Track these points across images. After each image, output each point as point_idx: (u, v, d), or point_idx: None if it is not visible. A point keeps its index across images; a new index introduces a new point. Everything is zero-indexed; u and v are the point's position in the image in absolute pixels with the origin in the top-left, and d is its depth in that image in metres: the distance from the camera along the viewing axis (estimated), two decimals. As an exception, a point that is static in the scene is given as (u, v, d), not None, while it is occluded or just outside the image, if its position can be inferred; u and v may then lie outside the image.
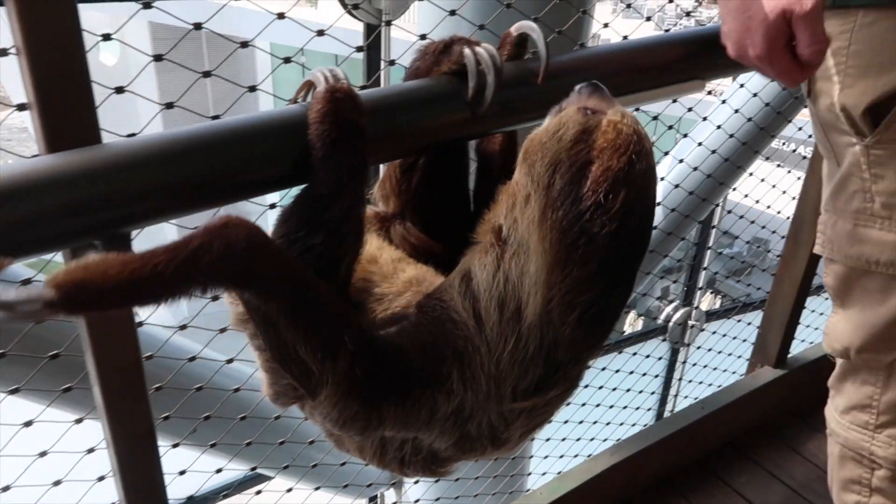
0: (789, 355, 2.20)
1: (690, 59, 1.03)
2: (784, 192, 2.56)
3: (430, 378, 0.69)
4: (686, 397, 3.08)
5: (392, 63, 1.38)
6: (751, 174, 2.62)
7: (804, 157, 2.62)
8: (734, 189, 2.80)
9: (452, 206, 0.95)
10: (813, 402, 2.22)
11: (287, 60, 1.06)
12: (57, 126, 0.65)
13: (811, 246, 1.91)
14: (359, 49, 1.33)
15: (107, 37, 0.81)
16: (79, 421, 1.33)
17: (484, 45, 0.82)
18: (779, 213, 2.56)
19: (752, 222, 2.62)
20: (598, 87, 0.73)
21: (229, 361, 1.39)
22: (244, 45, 1.06)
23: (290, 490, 1.72)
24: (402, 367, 0.70)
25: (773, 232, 2.56)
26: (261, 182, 0.71)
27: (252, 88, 1.00)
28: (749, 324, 2.62)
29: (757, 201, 2.62)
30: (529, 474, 2.11)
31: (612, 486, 1.87)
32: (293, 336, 0.65)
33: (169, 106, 0.88)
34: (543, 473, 2.07)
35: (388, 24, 2.15)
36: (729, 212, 2.88)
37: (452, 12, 1.08)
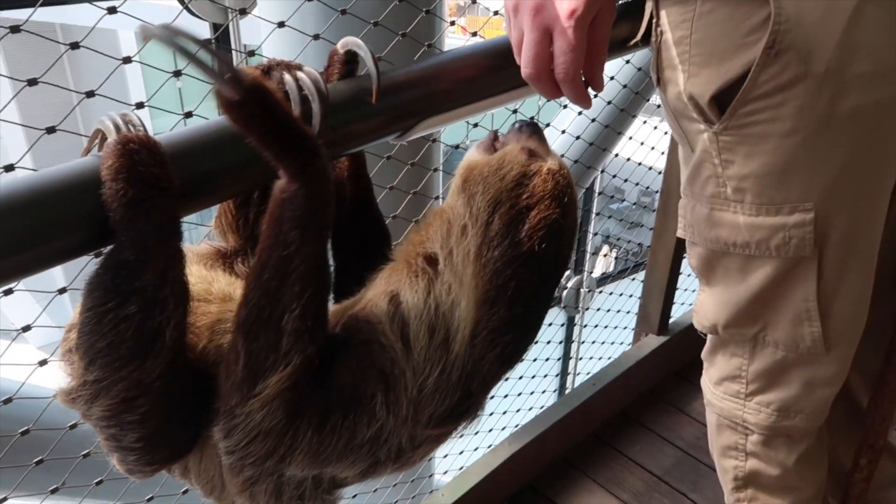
0: (671, 320, 2.29)
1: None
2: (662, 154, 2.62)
3: (352, 399, 0.67)
4: (579, 374, 3.17)
5: (252, 54, 1.29)
6: (630, 138, 2.67)
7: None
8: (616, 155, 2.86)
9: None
10: (696, 363, 2.33)
11: (127, 60, 0.96)
12: None
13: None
14: (208, 42, 1.22)
15: None
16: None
17: (306, 70, 0.75)
18: (660, 173, 2.60)
19: (637, 184, 2.67)
20: (536, 129, 0.77)
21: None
22: (74, 45, 0.94)
23: None
24: (330, 382, 0.67)
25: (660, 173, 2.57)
26: (57, 252, 0.62)
27: (90, 94, 0.90)
28: (633, 279, 2.69)
29: (639, 164, 2.66)
30: (431, 475, 2.09)
31: (514, 474, 1.88)
32: (297, 300, 0.63)
33: None
34: (445, 472, 2.06)
35: (243, 12, 2.02)
36: (613, 176, 2.92)
37: (281, 24, 1.01)
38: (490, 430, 2.09)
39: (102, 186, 0.61)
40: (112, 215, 0.61)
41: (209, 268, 0.87)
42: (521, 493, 1.91)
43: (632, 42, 1.10)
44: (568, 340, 3.59)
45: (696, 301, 1.26)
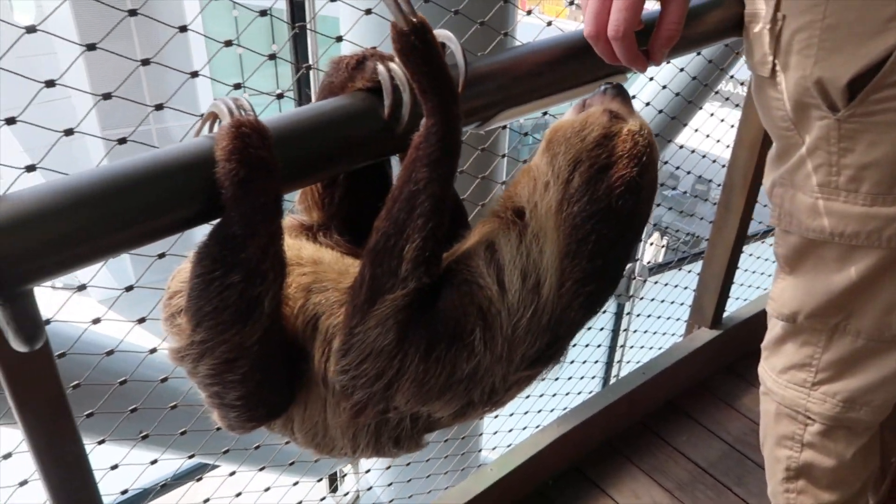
0: (724, 314, 2.28)
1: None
2: (718, 142, 2.58)
3: (455, 332, 0.72)
4: (629, 362, 3.17)
5: (340, 39, 1.34)
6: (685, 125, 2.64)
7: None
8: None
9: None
10: (747, 358, 2.33)
11: (183, 29, 1.02)
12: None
13: (741, 212, 1.97)
14: (262, 13, 1.28)
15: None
16: None
17: (398, 61, 0.79)
18: (714, 161, 2.57)
19: (689, 172, 2.65)
20: (621, 90, 0.80)
21: (153, 351, 1.34)
22: (132, 13, 1.00)
23: (233, 474, 1.70)
24: (436, 314, 0.73)
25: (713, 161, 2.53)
26: (172, 224, 0.68)
27: (145, 62, 0.96)
28: (689, 271, 2.69)
29: (692, 151, 2.63)
30: (480, 451, 2.15)
31: (560, 455, 1.92)
32: (419, 232, 0.69)
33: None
34: (494, 448, 2.12)
35: None
36: (665, 162, 2.89)
37: (368, 11, 1.05)
38: (539, 412, 2.14)
39: (216, 165, 0.67)
40: (224, 192, 0.67)
41: (294, 238, 0.93)
42: (567, 473, 1.96)
43: (755, 29, 1.07)
44: (616, 328, 3.59)
45: (773, 289, 1.26)
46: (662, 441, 2.07)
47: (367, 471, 2.26)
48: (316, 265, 0.82)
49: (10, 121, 0.91)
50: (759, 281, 2.90)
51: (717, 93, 2.85)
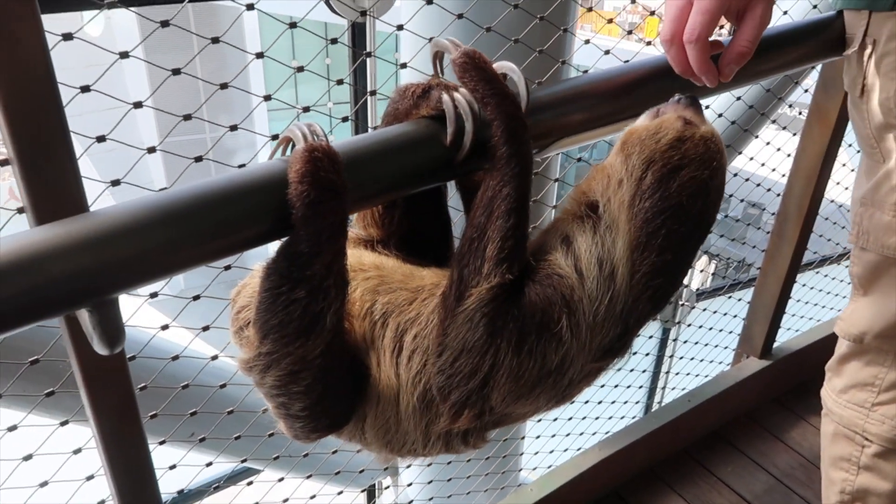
0: (774, 345, 2.24)
1: (661, 81, 1.03)
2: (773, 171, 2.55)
3: (542, 323, 0.75)
4: (673, 389, 3.12)
5: (404, 66, 1.41)
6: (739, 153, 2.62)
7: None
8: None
9: (436, 236, 0.97)
10: (797, 391, 2.29)
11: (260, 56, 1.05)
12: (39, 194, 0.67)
13: (795, 242, 1.95)
14: (333, 41, 1.34)
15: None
16: (64, 423, 1.36)
17: (461, 90, 0.83)
18: (769, 190, 2.53)
19: (742, 201, 2.60)
20: (695, 101, 0.84)
21: (214, 358, 1.41)
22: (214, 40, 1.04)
23: (281, 480, 1.75)
24: (523, 307, 0.76)
25: (769, 190, 2.51)
26: (245, 240, 0.72)
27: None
28: (739, 299, 2.65)
29: (746, 180, 2.60)
30: (521, 470, 2.15)
31: (601, 479, 1.92)
32: (499, 232, 0.74)
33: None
34: (534, 468, 2.12)
35: (364, 13, 2.14)
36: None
37: (431, 39, 1.08)
38: (581, 434, 2.13)
39: (288, 187, 0.71)
40: (294, 212, 0.71)
41: (353, 248, 0.97)
42: (607, 497, 1.95)
43: (846, 52, 1.16)
44: (661, 354, 3.55)
45: (845, 310, 1.29)
46: (706, 471, 2.04)
47: (409, 484, 2.28)
48: (379, 269, 0.85)
49: (151, 150, 0.95)
50: (811, 312, 2.84)
51: (773, 121, 2.81)
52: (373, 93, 1.67)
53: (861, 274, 1.22)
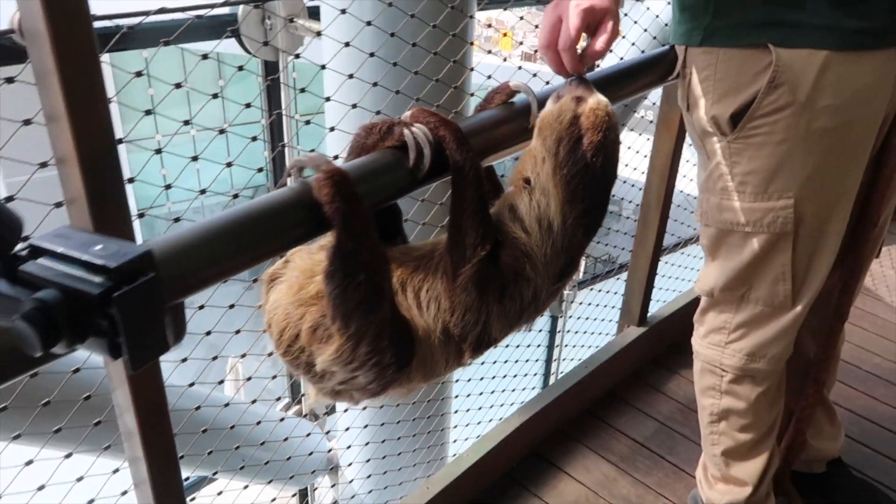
0: (648, 314, 2.67)
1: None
2: (635, 170, 3.03)
3: (515, 273, 1.02)
4: (566, 359, 3.56)
5: (303, 91, 1.67)
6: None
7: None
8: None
9: (394, 227, 1.23)
10: (670, 350, 2.74)
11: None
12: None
13: (657, 227, 2.37)
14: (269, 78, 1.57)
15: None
16: (68, 456, 1.51)
17: (418, 125, 1.10)
18: (633, 186, 3.02)
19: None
20: (583, 79, 1.09)
21: (191, 385, 1.60)
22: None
23: (220, 494, 1.91)
24: (500, 268, 1.02)
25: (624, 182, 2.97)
26: (281, 246, 0.97)
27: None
28: (608, 292, 3.11)
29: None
30: (444, 444, 2.46)
31: (523, 441, 2.24)
32: (470, 225, 1.00)
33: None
34: (454, 441, 2.40)
35: (297, 56, 2.37)
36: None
37: (351, 76, 1.36)
38: (491, 407, 2.47)
39: (322, 206, 0.93)
40: (333, 224, 0.94)
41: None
42: (529, 457, 2.27)
43: (670, 78, 1.53)
44: (553, 335, 4.03)
45: (700, 273, 1.65)
46: (605, 423, 2.43)
47: (350, 481, 2.51)
48: (404, 254, 1.10)
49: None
50: (675, 285, 3.35)
51: (628, 126, 3.33)
52: (283, 145, 1.89)
53: (707, 244, 1.58)
